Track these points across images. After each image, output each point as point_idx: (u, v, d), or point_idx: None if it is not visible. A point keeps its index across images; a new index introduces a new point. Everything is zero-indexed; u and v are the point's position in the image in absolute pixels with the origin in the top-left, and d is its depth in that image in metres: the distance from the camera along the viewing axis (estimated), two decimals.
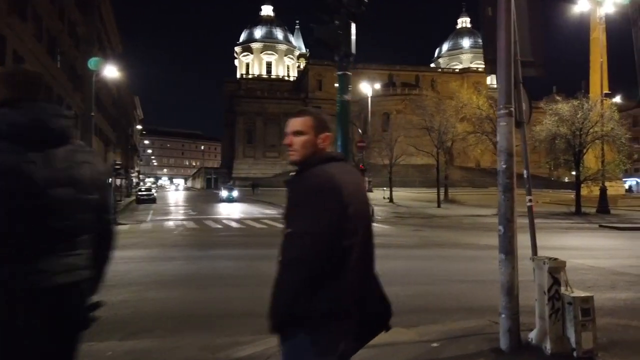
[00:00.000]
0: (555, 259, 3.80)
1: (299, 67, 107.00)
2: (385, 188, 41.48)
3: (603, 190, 27.49)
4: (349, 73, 2.89)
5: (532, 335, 4.01)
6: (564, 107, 26.87)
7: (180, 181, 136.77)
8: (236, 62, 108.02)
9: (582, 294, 3.74)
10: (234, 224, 20.70)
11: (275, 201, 34.65)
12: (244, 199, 42.87)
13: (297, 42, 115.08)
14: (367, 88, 55.92)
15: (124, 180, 61.61)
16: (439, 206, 31.77)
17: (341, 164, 1.84)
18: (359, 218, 1.78)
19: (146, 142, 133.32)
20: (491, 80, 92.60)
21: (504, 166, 3.91)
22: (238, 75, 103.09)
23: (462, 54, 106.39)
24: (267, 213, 27.52)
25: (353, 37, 2.95)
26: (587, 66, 40.27)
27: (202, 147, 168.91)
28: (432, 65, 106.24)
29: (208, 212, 29.07)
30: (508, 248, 3.82)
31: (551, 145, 27.60)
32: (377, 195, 42.65)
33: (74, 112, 40.03)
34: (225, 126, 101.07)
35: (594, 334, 3.69)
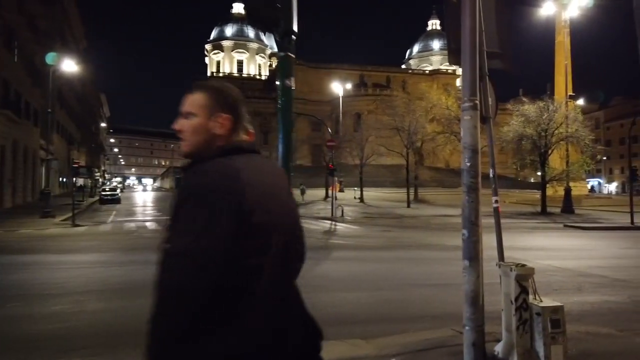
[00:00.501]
0: (524, 266, 3.48)
1: (270, 65, 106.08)
2: (356, 188, 41.35)
3: (568, 191, 28.02)
4: (291, 55, 2.47)
5: (498, 349, 3.69)
6: (530, 108, 27.27)
7: (149, 181, 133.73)
8: (207, 60, 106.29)
9: (552, 303, 3.43)
10: None
11: None
12: None
13: (269, 40, 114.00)
14: (338, 88, 55.90)
15: (88, 180, 59.61)
16: (408, 206, 31.76)
17: (251, 157, 1.38)
18: (272, 230, 1.31)
19: (113, 140, 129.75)
20: (460, 82, 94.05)
21: (468, 164, 3.57)
22: (208, 74, 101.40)
23: (432, 55, 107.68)
24: None
25: (294, 11, 2.53)
26: (551, 70, 41.07)
27: (172, 146, 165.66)
28: (403, 66, 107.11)
29: None
30: (472, 254, 3.47)
31: (518, 146, 27.96)
32: (348, 195, 42.52)
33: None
34: None
35: (565, 347, 3.39)
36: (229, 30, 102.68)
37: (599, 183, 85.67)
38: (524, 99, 28.41)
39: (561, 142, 27.06)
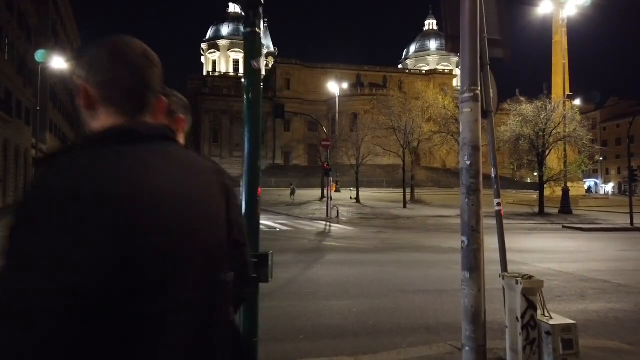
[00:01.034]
0: (531, 278, 3.08)
1: (267, 65, 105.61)
2: (352, 188, 40.97)
3: (565, 191, 27.72)
4: (258, 30, 2.05)
5: None
6: (527, 108, 26.96)
7: None
8: (202, 59, 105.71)
9: (563, 320, 3.03)
10: None
11: None
12: None
13: (266, 40, 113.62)
14: (334, 87, 55.53)
15: None
16: (404, 207, 31.39)
17: (150, 146, 0.89)
18: (177, 256, 0.83)
19: None
20: (457, 82, 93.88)
21: (468, 163, 3.16)
22: (204, 73, 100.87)
23: (429, 55, 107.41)
24: None
25: None
26: (548, 70, 40.81)
27: None
28: (400, 66, 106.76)
29: None
30: (473, 264, 3.07)
31: (515, 146, 27.62)
32: (344, 196, 42.12)
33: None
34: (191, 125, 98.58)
35: None
36: (225, 29, 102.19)
37: (596, 184, 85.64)
38: (522, 98, 28.04)
39: (559, 142, 26.75)
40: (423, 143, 36.35)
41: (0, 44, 31.40)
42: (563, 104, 27.94)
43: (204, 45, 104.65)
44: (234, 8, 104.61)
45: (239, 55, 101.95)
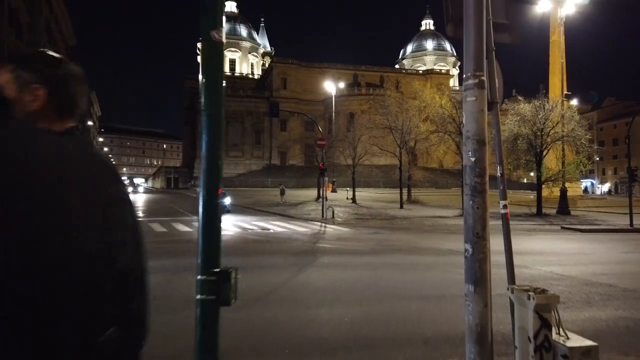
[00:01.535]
0: (544, 291, 2.67)
1: (263, 65, 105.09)
2: (348, 188, 40.59)
3: (563, 191, 27.40)
4: None
5: None
6: (525, 107, 26.62)
7: (140, 180, 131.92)
8: (198, 58, 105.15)
9: (582, 342, 2.63)
10: (181, 227, 19.10)
11: (234, 202, 33.00)
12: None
13: (262, 40, 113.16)
14: (331, 87, 55.18)
15: None
16: (401, 207, 31.02)
17: None
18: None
19: (104, 139, 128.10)
20: (454, 82, 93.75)
21: (473, 159, 2.76)
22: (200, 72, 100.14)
23: (425, 55, 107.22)
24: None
25: None
26: (544, 70, 40.44)
27: (164, 146, 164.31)
28: (397, 66, 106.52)
29: (166, 213, 27.24)
30: (478, 276, 2.66)
31: (513, 146, 27.27)
32: (341, 196, 41.76)
33: None
34: (186, 124, 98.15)
35: None
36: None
37: (592, 184, 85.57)
38: (520, 97, 27.69)
39: (557, 141, 26.42)
40: (420, 143, 35.99)
41: None
42: (561, 104, 27.62)
43: (199, 45, 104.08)
44: (229, 7, 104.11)
45: (235, 55, 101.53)
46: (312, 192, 44.93)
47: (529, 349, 2.62)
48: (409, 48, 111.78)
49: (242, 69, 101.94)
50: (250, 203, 35.47)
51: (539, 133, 25.67)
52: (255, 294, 6.96)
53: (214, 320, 1.68)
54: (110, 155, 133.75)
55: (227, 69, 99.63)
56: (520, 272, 9.10)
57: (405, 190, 35.49)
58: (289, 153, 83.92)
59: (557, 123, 25.91)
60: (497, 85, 3.54)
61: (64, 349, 0.64)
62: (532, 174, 30.66)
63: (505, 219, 3.37)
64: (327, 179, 28.08)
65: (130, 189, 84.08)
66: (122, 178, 1.40)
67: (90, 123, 69.45)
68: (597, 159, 69.84)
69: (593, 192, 77.98)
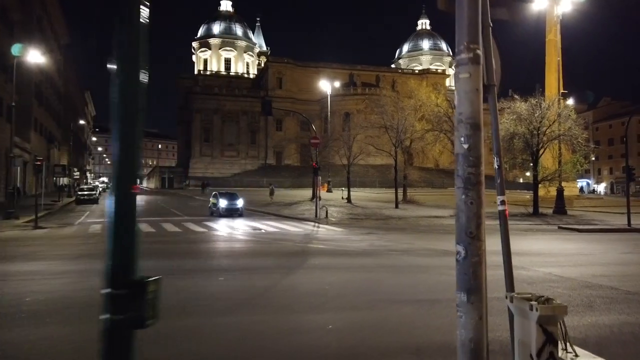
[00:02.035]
0: (548, 300, 2.29)
1: (259, 64, 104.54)
2: (344, 188, 40.20)
3: (560, 191, 27.10)
4: None
5: None
6: (521, 106, 26.29)
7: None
8: (194, 57, 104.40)
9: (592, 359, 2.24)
10: (170, 227, 18.65)
11: None
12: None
13: (258, 39, 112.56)
14: (327, 87, 54.79)
15: (72, 180, 57.89)
16: (396, 207, 30.64)
17: None
18: None
19: (99, 139, 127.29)
20: (450, 82, 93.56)
21: (466, 146, 2.38)
22: (195, 71, 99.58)
23: (421, 55, 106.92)
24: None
25: None
26: (541, 70, 40.16)
27: (159, 146, 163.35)
28: (393, 65, 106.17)
29: (156, 213, 26.76)
30: (472, 283, 2.27)
31: (509, 145, 26.94)
32: (336, 196, 41.34)
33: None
34: (181, 124, 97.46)
35: None
36: (217, 27, 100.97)
37: (588, 184, 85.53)
38: (516, 96, 27.36)
39: (553, 140, 26.11)
40: (415, 142, 35.64)
41: None
42: (557, 102, 27.32)
43: (195, 44, 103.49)
44: (225, 6, 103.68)
45: (231, 54, 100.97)
46: (308, 192, 44.48)
47: None
48: (405, 48, 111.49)
49: (237, 68, 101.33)
50: (244, 203, 34.99)
51: (535, 132, 25.36)
52: (242, 298, 6.57)
53: (124, 348, 1.27)
54: (104, 156, 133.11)
55: (222, 68, 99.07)
56: (517, 274, 8.71)
57: (400, 190, 35.13)
58: (285, 153, 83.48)
59: (554, 122, 25.60)
60: (494, 67, 3.16)
61: None
62: (528, 173, 30.35)
63: (503, 216, 2.98)
64: (320, 178, 27.68)
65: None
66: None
67: (82, 122, 68.67)
68: (594, 158, 69.77)
69: (588, 192, 77.86)
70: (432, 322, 5.48)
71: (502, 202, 3.05)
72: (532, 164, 26.38)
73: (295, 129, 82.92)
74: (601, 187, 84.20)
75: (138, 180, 1.40)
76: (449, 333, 4.73)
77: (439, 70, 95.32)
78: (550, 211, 26.31)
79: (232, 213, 24.36)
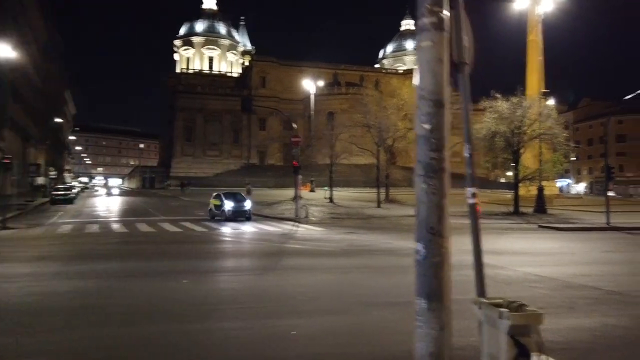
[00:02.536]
0: (521, 307, 1.94)
1: (243, 63, 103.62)
2: (327, 188, 39.88)
3: (540, 190, 27.16)
4: None
5: None
6: (503, 105, 26.28)
7: (116, 182, 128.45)
8: (176, 56, 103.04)
9: None
10: (145, 228, 18.07)
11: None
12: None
13: (242, 38, 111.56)
14: (311, 86, 54.37)
15: (45, 179, 56.42)
16: (378, 206, 30.40)
17: None
18: None
19: (78, 138, 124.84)
20: None
21: (428, 127, 2.03)
22: (178, 70, 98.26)
23: (405, 55, 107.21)
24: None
25: None
26: (522, 71, 40.23)
27: (142, 145, 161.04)
28: (377, 65, 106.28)
29: (127, 214, 26.05)
30: (433, 287, 1.92)
31: (490, 144, 26.91)
32: (319, 195, 40.97)
33: None
34: (163, 123, 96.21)
35: None
36: (200, 26, 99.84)
37: (568, 184, 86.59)
38: (497, 95, 27.34)
39: (534, 139, 26.15)
40: (398, 141, 35.46)
41: None
42: (539, 102, 27.40)
43: (177, 42, 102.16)
44: (208, 4, 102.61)
45: (214, 53, 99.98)
46: (291, 192, 43.88)
47: None
48: (389, 48, 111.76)
49: (220, 67, 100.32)
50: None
51: (516, 131, 25.35)
52: (212, 303, 6.15)
53: None
54: (84, 155, 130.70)
55: (206, 67, 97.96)
56: (496, 274, 8.46)
57: (383, 190, 34.92)
58: (268, 152, 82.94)
59: (535, 121, 25.63)
60: (465, 44, 2.82)
61: None
62: (509, 173, 30.36)
63: (473, 210, 2.64)
64: (302, 177, 27.30)
65: (101, 192, 77.13)
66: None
67: (59, 120, 67.09)
68: (574, 158, 70.62)
69: (568, 192, 78.81)
70: (408, 328, 5.14)
71: (473, 195, 2.71)
72: (513, 164, 26.39)
73: (278, 128, 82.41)
74: (580, 187, 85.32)
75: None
76: None
77: None
78: (530, 210, 26.34)
79: (239, 216, 20.96)
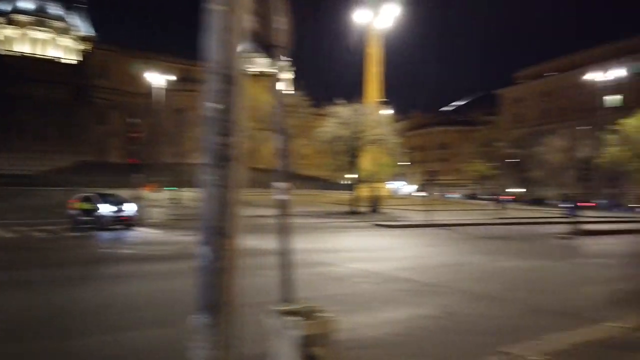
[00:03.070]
0: (313, 313, 1.74)
1: (84, 50, 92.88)
2: (175, 188, 37.81)
3: (375, 191, 29.46)
4: None
5: None
6: (344, 110, 27.90)
7: None
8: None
9: None
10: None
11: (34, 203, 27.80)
12: None
13: (84, 24, 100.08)
14: (157, 80, 50.92)
15: None
16: None
17: None
18: None
19: None
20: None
21: (217, 106, 1.71)
22: None
23: (257, 58, 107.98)
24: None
25: None
26: (361, 78, 43.09)
27: None
28: None
29: None
30: (215, 299, 1.61)
31: (333, 147, 28.35)
32: (164, 196, 38.57)
33: None
34: None
35: None
36: (27, 3, 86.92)
37: (403, 185, 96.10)
38: (339, 101, 28.96)
39: (372, 144, 28.25)
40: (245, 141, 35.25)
41: None
42: (376, 109, 29.74)
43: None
44: None
45: (45, 35, 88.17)
46: (133, 192, 40.65)
47: None
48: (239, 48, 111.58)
49: (52, 52, 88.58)
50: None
51: (355, 136, 27.13)
52: None
53: None
54: None
55: (35, 50, 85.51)
56: (328, 271, 8.68)
57: None
58: (109, 149, 75.77)
59: (372, 127, 27.71)
60: (281, 24, 2.59)
61: None
62: (349, 175, 32.30)
63: (283, 207, 2.42)
64: (143, 175, 25.31)
65: None
66: None
67: None
68: (409, 162, 78.58)
69: (399, 193, 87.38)
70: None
71: (284, 191, 2.49)
72: (352, 166, 28.15)
73: (120, 122, 75.81)
74: (413, 188, 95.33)
75: None
76: None
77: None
78: (366, 210, 28.34)
79: (118, 224, 17.55)
